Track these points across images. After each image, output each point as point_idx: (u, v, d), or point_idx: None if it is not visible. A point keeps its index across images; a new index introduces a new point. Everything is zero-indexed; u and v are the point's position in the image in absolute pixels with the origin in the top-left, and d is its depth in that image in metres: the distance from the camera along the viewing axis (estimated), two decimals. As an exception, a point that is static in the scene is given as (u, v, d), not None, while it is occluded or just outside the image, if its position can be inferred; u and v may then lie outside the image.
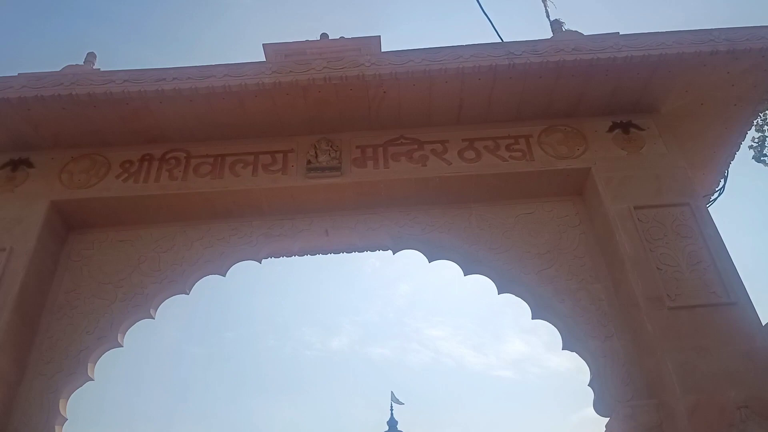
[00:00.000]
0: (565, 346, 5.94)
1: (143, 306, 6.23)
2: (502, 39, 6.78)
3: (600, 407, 5.55)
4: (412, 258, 6.97)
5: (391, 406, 41.27)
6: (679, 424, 4.98)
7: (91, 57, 7.29)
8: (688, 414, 4.88)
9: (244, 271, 6.92)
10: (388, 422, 41.43)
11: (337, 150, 6.83)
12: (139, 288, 6.31)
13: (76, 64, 7.14)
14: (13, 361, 5.69)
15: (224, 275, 6.63)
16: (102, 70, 6.85)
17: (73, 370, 5.86)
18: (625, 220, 6.09)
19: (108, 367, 6.39)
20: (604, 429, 5.56)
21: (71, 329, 6.07)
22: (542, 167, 6.66)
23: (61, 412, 5.69)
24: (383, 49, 6.80)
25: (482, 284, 6.45)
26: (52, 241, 6.46)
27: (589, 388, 5.69)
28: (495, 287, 6.40)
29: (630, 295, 5.79)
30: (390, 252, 6.89)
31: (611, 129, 6.86)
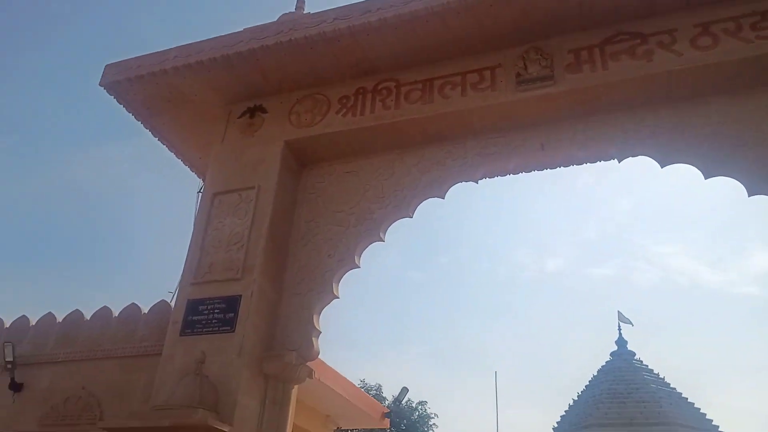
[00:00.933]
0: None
1: (373, 230, 6.68)
2: None
3: None
4: (630, 171, 6.47)
5: (619, 326, 39.82)
6: None
7: (300, 2, 7.74)
8: None
9: (459, 193, 7.00)
10: (616, 342, 40.21)
11: (547, 58, 6.44)
12: (368, 214, 6.76)
13: (289, 12, 7.64)
14: (271, 283, 6.56)
15: (443, 197, 6.79)
16: (312, 12, 7.23)
17: (321, 289, 6.57)
18: None
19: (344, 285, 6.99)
20: None
21: (315, 254, 6.78)
22: (802, 43, 5.56)
23: (316, 325, 6.45)
24: (591, -65, 6.11)
25: (720, 191, 5.74)
26: (290, 177, 7.19)
27: None
28: (743, 190, 5.64)
29: None
30: (614, 161, 6.42)
31: None
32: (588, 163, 6.84)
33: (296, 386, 6.46)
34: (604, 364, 39.75)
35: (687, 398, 36.97)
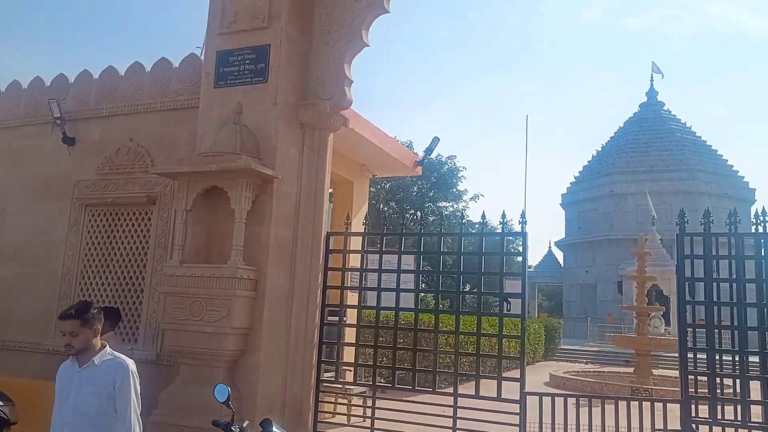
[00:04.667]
0: None
1: (403, -31, 6.24)
2: None
3: None
4: None
5: (651, 77, 39.04)
6: None
7: None
8: None
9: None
10: (647, 93, 39.77)
11: None
12: (397, -49, 6.25)
13: None
14: (300, 31, 6.40)
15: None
16: None
17: (350, 37, 6.41)
18: None
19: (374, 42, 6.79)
20: None
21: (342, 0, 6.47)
22: None
23: (347, 74, 6.44)
24: None
25: None
26: None
27: None
28: None
29: None
30: None
31: None
32: None
33: (332, 135, 6.68)
34: (632, 115, 40.00)
35: (711, 146, 37.67)
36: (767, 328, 5.22)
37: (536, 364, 21.35)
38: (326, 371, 7.41)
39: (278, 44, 6.11)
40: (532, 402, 5.69)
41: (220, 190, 5.77)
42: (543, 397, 5.73)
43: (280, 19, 6.15)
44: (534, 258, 43.52)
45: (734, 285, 5.37)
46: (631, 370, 16.70)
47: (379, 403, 6.31)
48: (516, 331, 6.17)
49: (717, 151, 37.38)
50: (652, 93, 39.72)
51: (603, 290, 36.01)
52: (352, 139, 8.40)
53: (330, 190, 10.05)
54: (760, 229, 5.32)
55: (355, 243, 7.05)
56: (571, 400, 5.78)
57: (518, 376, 5.77)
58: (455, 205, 35.49)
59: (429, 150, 11.10)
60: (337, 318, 7.06)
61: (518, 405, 5.64)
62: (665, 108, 39.39)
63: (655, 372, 16.29)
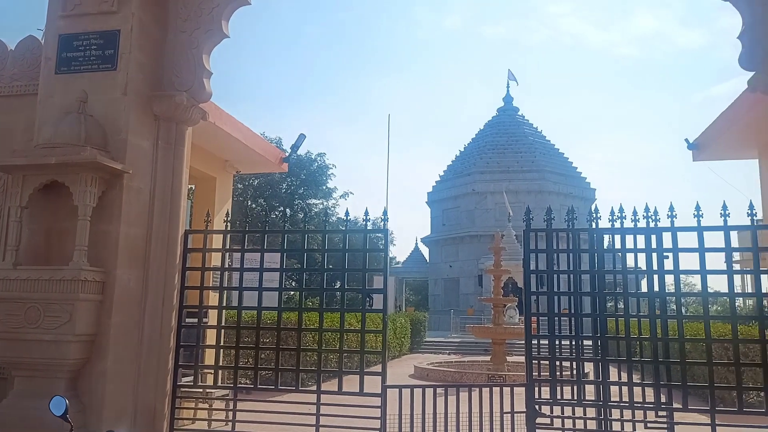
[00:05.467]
0: (722, -6, 5.26)
1: (264, -39, 6.12)
2: None
3: (746, 61, 5.14)
4: None
5: (507, 84, 41.73)
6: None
7: None
8: None
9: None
10: (503, 99, 42.44)
11: None
12: (258, -58, 6.11)
13: None
14: (153, 17, 6.04)
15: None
16: None
17: (209, 27, 6.16)
18: None
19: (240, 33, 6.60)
20: (746, 86, 5.25)
21: (201, -13, 6.19)
22: None
23: (206, 66, 6.18)
24: None
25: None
26: None
27: (730, 57, 5.24)
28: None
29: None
30: None
31: None
32: None
33: (190, 128, 6.39)
34: (491, 119, 42.48)
35: (559, 149, 41.05)
36: (599, 315, 5.77)
37: (402, 357, 21.97)
38: (185, 375, 7.08)
39: (129, 30, 5.73)
40: (395, 395, 5.83)
41: (62, 185, 5.30)
42: (402, 389, 5.89)
43: (130, 4, 5.77)
44: (402, 254, 44.82)
45: (572, 276, 5.87)
46: (488, 358, 17.73)
47: (241, 405, 6.14)
48: (381, 326, 6.27)
49: (564, 154, 40.77)
50: (508, 98, 42.48)
51: (465, 284, 37.88)
52: (214, 133, 8.10)
53: (191, 187, 9.63)
54: (594, 225, 5.87)
55: (218, 241, 6.81)
56: (430, 390, 6.00)
57: (380, 371, 5.88)
58: (325, 203, 35.58)
59: (295, 146, 11.00)
60: (196, 320, 6.76)
61: (380, 398, 5.76)
62: (520, 113, 42.27)
63: (510, 359, 17.42)
